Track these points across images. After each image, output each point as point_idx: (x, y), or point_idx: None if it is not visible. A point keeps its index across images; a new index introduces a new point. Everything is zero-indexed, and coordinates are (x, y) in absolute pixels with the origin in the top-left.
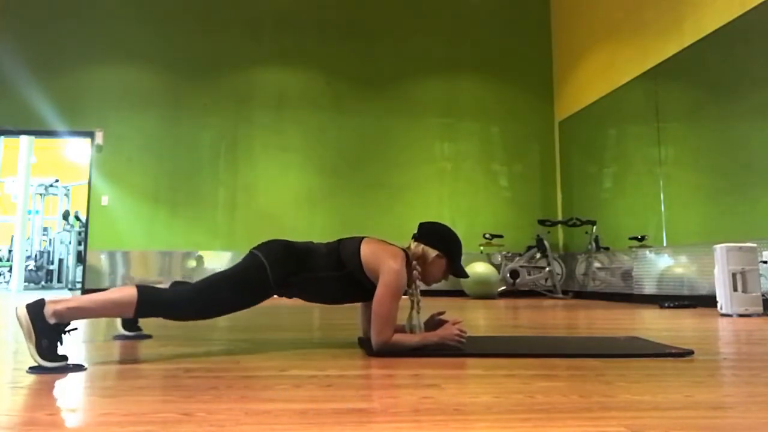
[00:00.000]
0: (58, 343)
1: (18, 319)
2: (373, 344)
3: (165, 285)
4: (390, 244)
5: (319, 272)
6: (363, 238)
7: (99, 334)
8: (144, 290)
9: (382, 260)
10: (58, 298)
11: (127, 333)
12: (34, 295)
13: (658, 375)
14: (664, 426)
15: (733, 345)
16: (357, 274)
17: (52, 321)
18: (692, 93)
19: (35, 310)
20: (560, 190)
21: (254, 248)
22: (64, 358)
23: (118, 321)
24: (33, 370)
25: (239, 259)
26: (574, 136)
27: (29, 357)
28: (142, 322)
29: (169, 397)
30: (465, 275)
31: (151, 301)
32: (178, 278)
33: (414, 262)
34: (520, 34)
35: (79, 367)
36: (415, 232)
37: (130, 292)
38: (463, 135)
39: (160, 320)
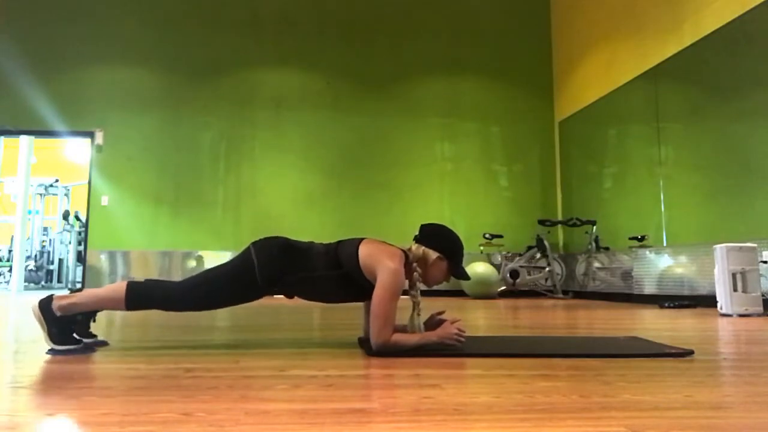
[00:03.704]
0: (70, 330)
1: (33, 310)
2: (373, 344)
3: None
4: (389, 245)
5: (316, 271)
6: (362, 239)
7: (100, 334)
8: (132, 286)
9: (380, 260)
10: (64, 295)
11: (82, 339)
12: (34, 295)
13: (658, 375)
14: (664, 426)
15: (733, 345)
16: (354, 274)
17: (58, 313)
18: (692, 93)
19: (45, 304)
20: (560, 190)
21: (253, 242)
22: (78, 341)
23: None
24: (50, 351)
25: None
26: (574, 136)
27: (30, 357)
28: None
29: (169, 397)
30: (466, 277)
31: (140, 296)
32: (179, 278)
33: (414, 264)
34: (520, 34)
35: (88, 349)
36: (417, 233)
37: (120, 288)
38: (463, 135)
39: (160, 320)
